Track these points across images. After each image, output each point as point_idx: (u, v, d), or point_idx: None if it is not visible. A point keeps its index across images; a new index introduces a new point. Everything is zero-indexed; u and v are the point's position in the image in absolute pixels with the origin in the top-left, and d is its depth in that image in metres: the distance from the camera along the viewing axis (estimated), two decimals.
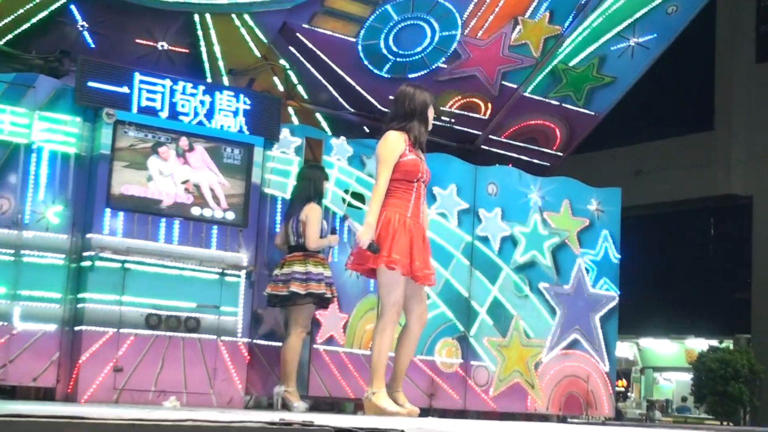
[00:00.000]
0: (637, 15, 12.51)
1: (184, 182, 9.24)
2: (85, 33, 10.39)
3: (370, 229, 7.07)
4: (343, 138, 10.45)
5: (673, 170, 24.24)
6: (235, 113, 9.49)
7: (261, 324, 9.66)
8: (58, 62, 10.00)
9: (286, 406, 9.05)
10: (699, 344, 23.40)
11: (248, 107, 9.56)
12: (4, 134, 8.65)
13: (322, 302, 9.29)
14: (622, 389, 25.44)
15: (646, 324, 24.90)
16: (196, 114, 9.31)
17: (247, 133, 9.48)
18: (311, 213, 9.21)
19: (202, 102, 9.35)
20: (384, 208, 7.18)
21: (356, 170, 10.35)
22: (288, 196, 9.81)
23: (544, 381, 11.26)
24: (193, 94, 9.33)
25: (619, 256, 11.94)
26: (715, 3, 15.33)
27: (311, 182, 9.43)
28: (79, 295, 8.80)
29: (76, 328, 8.75)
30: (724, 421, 18.07)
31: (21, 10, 10.00)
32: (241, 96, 9.59)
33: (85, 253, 8.83)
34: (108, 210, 8.86)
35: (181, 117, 9.24)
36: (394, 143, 7.21)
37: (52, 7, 10.09)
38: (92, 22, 10.33)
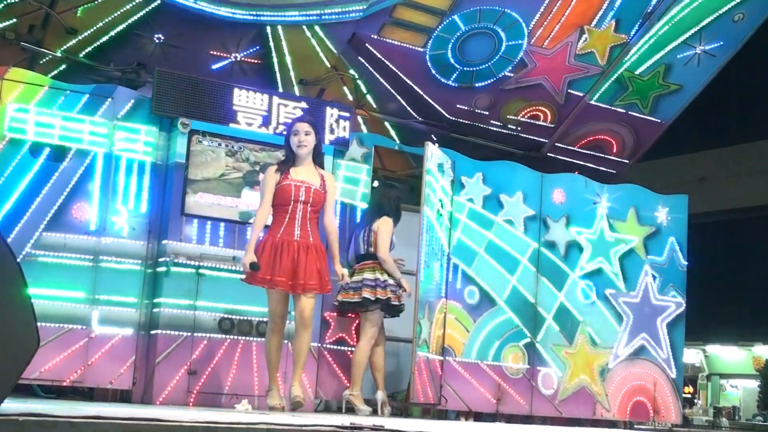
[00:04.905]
0: (704, 23, 12.39)
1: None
2: (161, 45, 10.63)
3: (247, 252, 7.81)
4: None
5: (739, 177, 24.10)
6: None
7: (330, 329, 9.79)
8: (135, 74, 10.19)
9: (351, 410, 9.23)
10: (766, 351, 23.19)
11: None
12: (83, 144, 8.89)
13: (390, 309, 9.47)
14: (689, 396, 25.31)
15: (713, 331, 24.76)
16: None
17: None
18: (383, 225, 9.50)
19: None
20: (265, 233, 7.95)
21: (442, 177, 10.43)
22: (356, 203, 10.04)
23: (610, 387, 11.23)
24: None
25: (686, 263, 11.90)
26: None
27: (387, 199, 9.73)
28: (155, 300, 9.02)
29: (152, 332, 8.96)
30: None
31: (100, 23, 10.28)
32: None
33: (160, 259, 9.05)
34: (183, 217, 9.09)
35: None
36: (267, 177, 8.02)
37: (130, 21, 10.36)
38: (167, 34, 10.58)
